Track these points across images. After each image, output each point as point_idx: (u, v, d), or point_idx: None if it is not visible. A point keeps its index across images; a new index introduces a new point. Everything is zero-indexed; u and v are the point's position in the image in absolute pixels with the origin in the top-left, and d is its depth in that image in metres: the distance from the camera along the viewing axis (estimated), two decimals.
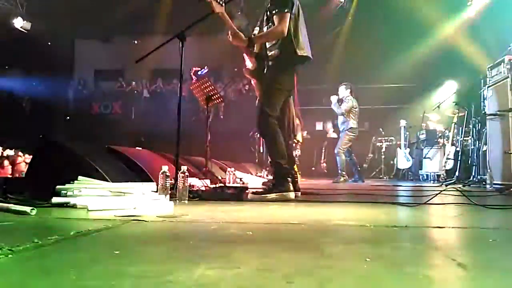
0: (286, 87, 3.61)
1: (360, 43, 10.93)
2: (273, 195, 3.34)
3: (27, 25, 11.63)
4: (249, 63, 3.71)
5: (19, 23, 11.51)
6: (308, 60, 3.58)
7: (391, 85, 11.72)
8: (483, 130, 5.80)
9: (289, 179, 3.49)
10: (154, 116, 11.06)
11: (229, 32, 3.40)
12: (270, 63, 3.59)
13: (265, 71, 3.63)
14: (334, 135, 10.40)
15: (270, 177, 4.89)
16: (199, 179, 4.23)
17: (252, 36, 3.53)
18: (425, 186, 6.14)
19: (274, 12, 3.40)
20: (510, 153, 4.60)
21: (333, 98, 8.21)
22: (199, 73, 5.44)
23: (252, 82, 3.89)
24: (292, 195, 3.42)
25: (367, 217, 2.30)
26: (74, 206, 2.41)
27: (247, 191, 3.92)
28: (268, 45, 3.59)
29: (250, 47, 3.50)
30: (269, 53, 3.58)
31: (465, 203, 2.92)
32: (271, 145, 3.52)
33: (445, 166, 7.58)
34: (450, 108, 7.83)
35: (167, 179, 2.88)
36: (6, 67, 13.06)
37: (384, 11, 10.19)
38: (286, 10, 3.36)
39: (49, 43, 12.32)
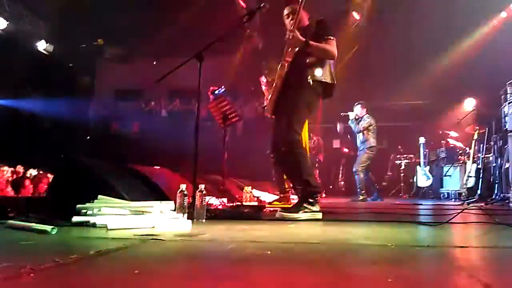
0: (314, 109, 3.67)
1: (377, 60, 10.89)
2: (304, 215, 3.17)
3: (50, 48, 12.01)
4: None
5: (42, 45, 11.90)
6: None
7: (409, 102, 11.62)
8: (505, 147, 5.68)
9: (317, 198, 3.33)
10: (172, 135, 11.15)
11: (289, 29, 3.42)
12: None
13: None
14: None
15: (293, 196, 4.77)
16: (216, 197, 4.24)
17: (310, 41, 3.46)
18: (446, 205, 6.01)
19: (326, 37, 3.49)
20: None
21: (351, 115, 8.19)
22: (216, 92, 5.49)
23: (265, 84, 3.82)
24: (320, 215, 3.25)
25: (388, 236, 2.26)
26: (93, 225, 2.43)
27: (264, 210, 3.89)
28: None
29: (305, 48, 3.44)
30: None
31: (488, 222, 2.85)
32: (299, 162, 3.37)
33: (466, 184, 7.42)
34: (470, 125, 7.72)
35: (185, 197, 2.89)
36: (29, 88, 13.44)
37: (400, 28, 10.14)
38: (333, 38, 3.53)
39: (70, 65, 12.66)
